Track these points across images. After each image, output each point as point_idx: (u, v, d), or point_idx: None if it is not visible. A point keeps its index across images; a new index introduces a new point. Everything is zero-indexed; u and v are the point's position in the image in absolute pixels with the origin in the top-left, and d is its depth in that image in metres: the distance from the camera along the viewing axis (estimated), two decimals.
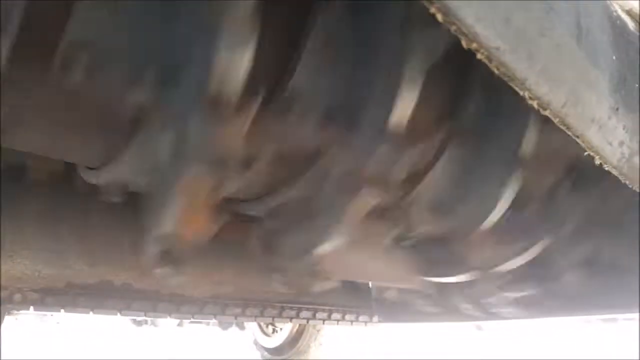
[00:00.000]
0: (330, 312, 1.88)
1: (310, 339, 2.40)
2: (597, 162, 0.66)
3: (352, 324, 1.93)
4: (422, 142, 0.87)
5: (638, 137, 0.69)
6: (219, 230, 1.14)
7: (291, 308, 1.78)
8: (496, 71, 0.46)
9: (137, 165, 0.79)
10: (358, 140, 0.76)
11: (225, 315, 1.66)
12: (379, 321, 1.98)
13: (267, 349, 2.57)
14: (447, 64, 0.73)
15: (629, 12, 0.79)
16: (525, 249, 1.09)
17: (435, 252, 1.14)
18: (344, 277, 1.73)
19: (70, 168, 1.25)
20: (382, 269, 1.45)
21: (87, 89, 0.67)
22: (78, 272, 1.40)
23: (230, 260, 1.60)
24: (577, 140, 0.60)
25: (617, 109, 0.64)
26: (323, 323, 1.88)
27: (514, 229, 1.03)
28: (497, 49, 0.44)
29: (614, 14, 0.69)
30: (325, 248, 0.86)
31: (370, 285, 2.00)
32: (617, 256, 1.27)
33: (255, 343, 2.64)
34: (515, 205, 0.93)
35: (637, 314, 1.49)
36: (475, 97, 0.89)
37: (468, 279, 1.22)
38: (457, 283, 1.37)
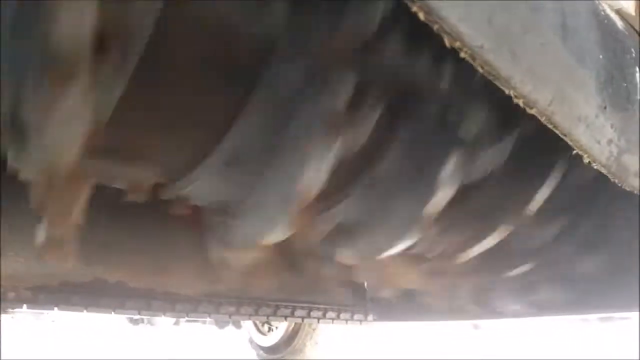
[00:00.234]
0: (325, 311, 1.88)
1: (305, 337, 2.40)
2: (586, 160, 0.67)
3: (347, 322, 1.94)
4: None
5: (626, 135, 0.69)
6: None
7: (286, 307, 1.78)
8: (480, 70, 0.46)
9: None
10: None
11: (220, 313, 1.66)
12: (374, 320, 1.98)
13: (262, 348, 2.57)
14: None
15: (618, 12, 0.79)
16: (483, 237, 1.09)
17: None
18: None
19: None
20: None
21: None
22: (72, 271, 1.40)
23: None
24: (565, 138, 0.61)
25: (605, 108, 0.64)
26: (318, 322, 1.88)
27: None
28: (481, 47, 0.44)
29: (602, 13, 0.69)
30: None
31: (365, 284, 2.00)
32: (615, 256, 1.27)
33: (251, 342, 2.64)
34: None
35: (634, 313, 1.50)
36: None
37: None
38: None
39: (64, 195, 0.79)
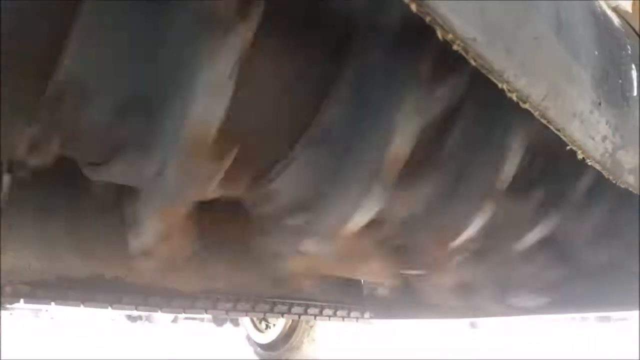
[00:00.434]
0: (322, 308, 1.88)
1: (303, 335, 2.40)
2: (580, 156, 0.67)
3: (343, 320, 1.94)
4: None
5: (621, 132, 0.69)
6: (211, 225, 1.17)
7: (283, 303, 1.78)
8: (473, 63, 0.46)
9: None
10: None
11: (217, 310, 1.66)
12: (371, 317, 1.99)
13: (259, 345, 2.57)
14: None
15: (615, 9, 0.79)
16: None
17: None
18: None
19: (62, 164, 1.25)
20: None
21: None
22: (69, 266, 1.40)
23: (222, 255, 1.60)
24: (559, 134, 0.61)
25: (600, 104, 0.64)
26: (315, 319, 1.88)
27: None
28: (474, 40, 0.44)
29: (599, 10, 0.69)
30: None
31: (362, 281, 2.00)
32: (615, 255, 1.27)
33: (248, 339, 2.64)
34: None
35: (632, 313, 1.50)
36: None
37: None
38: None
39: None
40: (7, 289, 1.35)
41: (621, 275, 1.27)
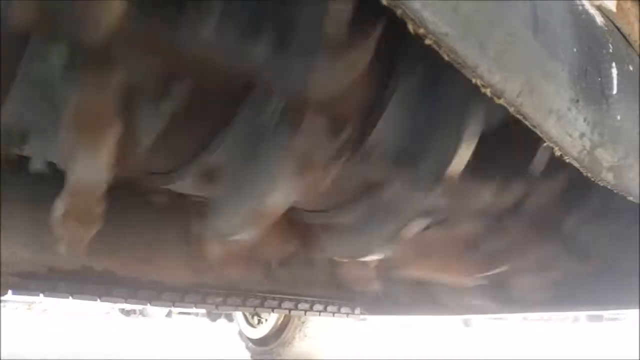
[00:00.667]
0: (312, 304, 1.88)
1: (295, 330, 2.41)
2: (557, 153, 0.67)
3: (334, 315, 1.94)
4: None
5: (600, 129, 0.70)
6: None
7: (273, 298, 1.79)
8: (446, 57, 0.47)
9: None
10: None
11: (207, 304, 1.66)
12: (361, 313, 1.99)
13: (251, 340, 2.57)
14: None
15: (598, 8, 0.80)
16: None
17: None
18: None
19: None
20: None
21: None
22: (59, 257, 1.40)
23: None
24: (535, 130, 0.61)
25: (578, 101, 0.64)
26: (305, 314, 1.89)
27: None
28: (446, 35, 0.45)
29: (580, 8, 0.69)
30: None
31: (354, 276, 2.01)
32: (612, 253, 1.28)
33: (240, 334, 2.65)
34: None
35: (624, 313, 1.50)
36: None
37: None
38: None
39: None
40: None
41: (618, 273, 1.28)
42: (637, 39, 0.85)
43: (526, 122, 0.59)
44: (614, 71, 0.72)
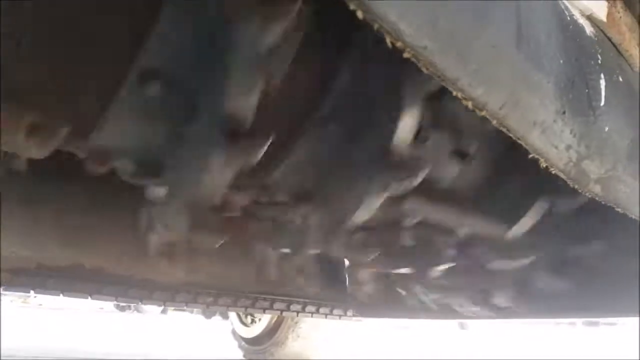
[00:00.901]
0: (304, 305, 1.88)
1: (288, 330, 2.41)
2: (543, 165, 0.67)
3: (326, 317, 1.94)
4: None
5: (587, 141, 0.69)
6: None
7: (265, 299, 1.79)
8: (425, 70, 0.46)
9: None
10: None
11: (198, 303, 1.66)
12: (354, 315, 1.99)
13: (244, 339, 2.57)
14: None
15: (589, 17, 0.79)
16: None
17: None
18: None
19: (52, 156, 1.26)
20: None
21: None
22: (50, 254, 1.40)
23: (204, 249, 1.61)
24: (520, 141, 0.60)
25: (564, 113, 0.64)
26: (297, 315, 1.88)
27: None
28: (425, 48, 0.44)
29: (568, 19, 0.69)
30: None
31: (346, 279, 2.01)
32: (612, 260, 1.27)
33: (233, 333, 2.65)
34: None
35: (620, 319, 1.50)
36: None
37: None
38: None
39: None
40: None
41: (618, 281, 1.27)
42: (629, 48, 0.84)
43: (510, 134, 0.58)
44: (603, 82, 0.72)
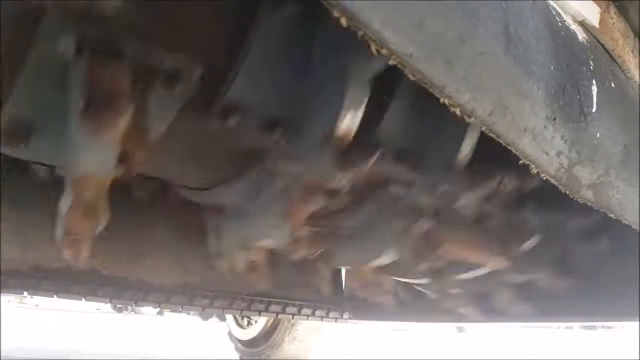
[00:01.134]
0: (300, 307, 1.88)
1: (284, 333, 2.40)
2: (534, 171, 0.66)
3: (322, 319, 1.94)
4: None
5: (578, 147, 0.69)
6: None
7: (260, 301, 1.78)
8: (412, 77, 0.46)
9: None
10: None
11: (193, 305, 1.66)
12: (350, 318, 1.99)
13: (241, 341, 2.57)
14: None
15: (581, 23, 0.79)
16: None
17: None
18: None
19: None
20: None
21: None
22: (43, 256, 1.40)
23: (200, 250, 1.60)
24: (510, 148, 0.60)
25: (555, 119, 0.64)
26: (293, 318, 1.88)
27: None
28: (410, 55, 0.44)
29: (559, 25, 0.69)
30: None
31: (342, 281, 2.01)
32: (612, 264, 1.27)
33: (230, 335, 2.64)
34: None
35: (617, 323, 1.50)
36: None
37: None
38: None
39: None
40: None
41: (618, 285, 1.27)
42: (622, 54, 0.84)
43: (500, 140, 0.58)
44: (595, 88, 0.71)
